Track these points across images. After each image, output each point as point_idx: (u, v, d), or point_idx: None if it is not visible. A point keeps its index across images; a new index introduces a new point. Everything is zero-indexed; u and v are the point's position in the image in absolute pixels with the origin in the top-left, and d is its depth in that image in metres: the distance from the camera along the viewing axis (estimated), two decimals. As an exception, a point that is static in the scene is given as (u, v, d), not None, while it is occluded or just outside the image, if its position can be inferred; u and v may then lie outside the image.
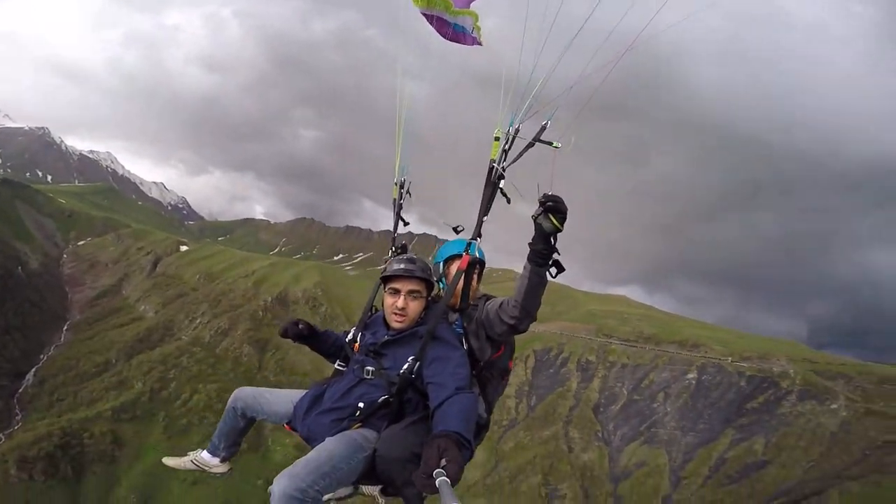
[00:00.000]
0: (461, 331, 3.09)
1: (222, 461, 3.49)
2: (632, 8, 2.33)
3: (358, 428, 2.78)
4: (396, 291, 2.95)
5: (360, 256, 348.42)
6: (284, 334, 3.30)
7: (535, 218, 2.68)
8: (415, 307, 2.95)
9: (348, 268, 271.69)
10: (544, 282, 2.81)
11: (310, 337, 3.34)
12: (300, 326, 3.30)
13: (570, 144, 2.78)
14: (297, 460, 2.49)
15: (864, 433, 63.85)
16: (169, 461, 3.68)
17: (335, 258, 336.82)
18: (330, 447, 2.61)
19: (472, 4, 3.91)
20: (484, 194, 3.02)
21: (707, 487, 63.46)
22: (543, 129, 2.85)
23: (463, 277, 3.06)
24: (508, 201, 3.03)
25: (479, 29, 3.92)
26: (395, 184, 3.78)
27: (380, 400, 2.79)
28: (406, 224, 3.84)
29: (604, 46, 2.49)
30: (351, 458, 2.60)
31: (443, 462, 1.95)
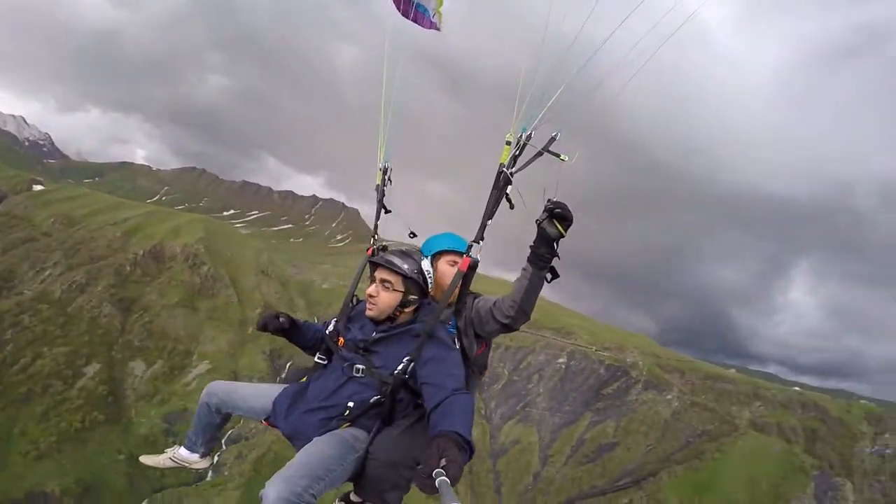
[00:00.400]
0: (454, 331, 3.05)
1: (202, 457, 3.36)
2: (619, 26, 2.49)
3: (347, 427, 2.71)
4: (373, 279, 2.95)
5: (254, 214, 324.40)
6: (263, 328, 3.12)
7: (539, 223, 2.72)
8: (385, 298, 2.86)
9: (239, 225, 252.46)
10: (542, 284, 2.87)
11: (290, 329, 3.18)
12: (281, 319, 3.13)
13: (575, 158, 2.81)
14: (289, 463, 2.42)
15: (688, 422, 75.25)
16: (147, 459, 3.49)
17: (225, 213, 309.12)
18: (322, 448, 2.54)
19: None
20: (490, 197, 2.94)
21: (568, 466, 70.82)
22: (553, 139, 2.86)
23: (462, 280, 3.02)
24: (511, 206, 2.98)
25: (440, 14, 3.80)
26: (379, 169, 3.66)
27: (371, 400, 2.72)
28: (388, 211, 3.65)
29: (607, 60, 2.59)
30: (343, 460, 2.55)
31: (443, 462, 1.94)
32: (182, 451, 3.33)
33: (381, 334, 2.86)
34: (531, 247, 2.82)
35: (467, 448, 2.17)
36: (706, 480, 59.14)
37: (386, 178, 3.66)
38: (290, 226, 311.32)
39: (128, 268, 78.77)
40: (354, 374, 2.79)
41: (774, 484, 58.98)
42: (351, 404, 2.72)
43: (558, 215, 2.69)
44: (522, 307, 2.92)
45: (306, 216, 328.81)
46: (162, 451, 3.49)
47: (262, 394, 3.05)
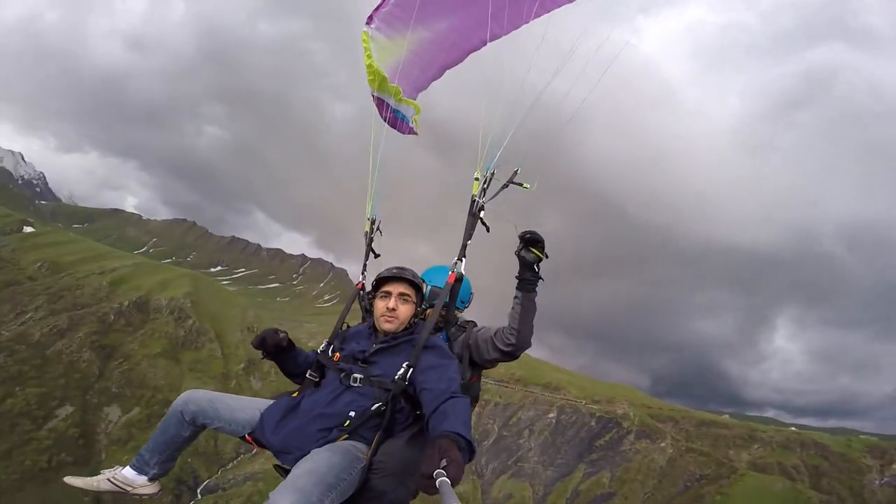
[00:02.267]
0: (445, 342, 3.24)
1: (151, 479, 2.94)
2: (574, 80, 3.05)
3: (345, 439, 2.63)
4: (388, 294, 2.99)
5: (241, 272, 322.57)
6: (261, 341, 3.01)
7: (518, 253, 3.11)
8: (405, 310, 2.97)
9: (226, 282, 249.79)
10: (535, 307, 3.15)
11: (284, 351, 3.10)
12: (280, 335, 3.06)
13: (534, 185, 3.33)
14: (295, 474, 2.32)
15: (685, 468, 73.24)
16: (74, 481, 2.94)
17: (212, 269, 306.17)
18: (328, 456, 2.45)
19: (418, 96, 4.26)
20: (467, 223, 3.35)
21: (567, 519, 68.00)
22: (515, 173, 3.36)
23: (450, 291, 3.27)
24: (488, 230, 3.38)
25: (417, 122, 4.23)
26: (367, 219, 3.89)
27: (372, 408, 2.67)
28: (377, 255, 3.86)
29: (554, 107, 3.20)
30: (351, 469, 2.47)
31: (443, 463, 1.92)
32: (125, 472, 2.92)
33: (382, 345, 2.89)
34: (517, 277, 3.18)
35: (467, 448, 2.15)
36: (708, 523, 56.67)
37: (374, 227, 3.88)
38: (277, 284, 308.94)
39: (112, 317, 77.24)
40: (352, 383, 2.76)
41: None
42: (352, 413, 2.66)
43: (530, 240, 3.05)
44: (521, 333, 3.15)
45: (294, 275, 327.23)
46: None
47: (247, 406, 2.89)
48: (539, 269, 3.10)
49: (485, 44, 4.00)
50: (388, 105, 3.99)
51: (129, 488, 2.88)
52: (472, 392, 3.27)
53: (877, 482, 70.40)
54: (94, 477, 2.90)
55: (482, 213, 3.33)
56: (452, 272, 3.25)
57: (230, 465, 67.73)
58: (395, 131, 4.15)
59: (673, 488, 66.66)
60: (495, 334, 3.23)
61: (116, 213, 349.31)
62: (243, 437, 2.82)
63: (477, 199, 3.35)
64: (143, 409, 66.23)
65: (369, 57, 3.75)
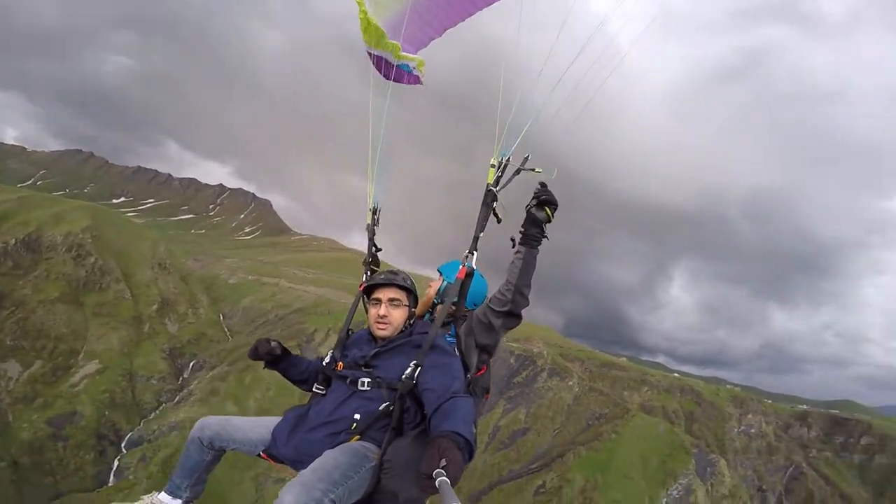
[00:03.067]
0: (453, 339, 3.18)
1: (185, 502, 3.04)
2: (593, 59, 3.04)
3: (356, 440, 2.68)
4: (378, 301, 2.99)
5: (149, 203, 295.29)
6: (254, 354, 3.08)
7: (529, 208, 3.10)
8: (397, 315, 2.97)
9: (132, 214, 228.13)
10: (535, 264, 3.11)
11: (282, 359, 3.16)
12: (272, 344, 3.11)
13: (554, 174, 3.21)
14: (301, 472, 2.37)
15: (588, 406, 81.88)
16: None
17: (115, 201, 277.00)
18: (334, 455, 2.50)
19: (420, 51, 4.01)
20: (480, 214, 3.25)
21: (487, 452, 73.91)
22: (526, 159, 3.28)
23: (461, 287, 3.20)
24: (499, 221, 3.27)
25: (422, 70, 3.99)
26: (369, 210, 3.79)
27: (380, 409, 2.72)
28: (379, 250, 3.74)
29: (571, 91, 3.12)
30: (359, 468, 2.51)
31: (443, 462, 1.93)
32: (162, 497, 3.05)
33: (380, 349, 2.91)
34: (521, 231, 3.14)
35: (467, 448, 2.15)
36: (605, 460, 64.92)
37: (375, 218, 3.77)
38: (192, 216, 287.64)
39: (-5, 258, 68.63)
40: (359, 388, 2.79)
41: (662, 461, 66.25)
42: (357, 416, 2.71)
43: (545, 201, 3.05)
44: (519, 288, 3.08)
45: (211, 206, 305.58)
46: (138, 496, 3.21)
47: (259, 425, 2.96)
48: (545, 229, 3.11)
49: (489, 4, 3.85)
50: (387, 61, 3.78)
51: None
52: (482, 383, 3.23)
53: (735, 430, 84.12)
54: (136, 503, 3.04)
55: (495, 204, 3.25)
56: (463, 266, 3.19)
57: (152, 415, 65.71)
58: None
59: (577, 425, 75.13)
60: (490, 300, 3.20)
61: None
62: (259, 455, 2.90)
63: (492, 187, 3.27)
64: (46, 361, 61.54)
65: (364, 12, 3.50)
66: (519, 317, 3.16)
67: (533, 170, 3.26)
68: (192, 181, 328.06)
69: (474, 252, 3.20)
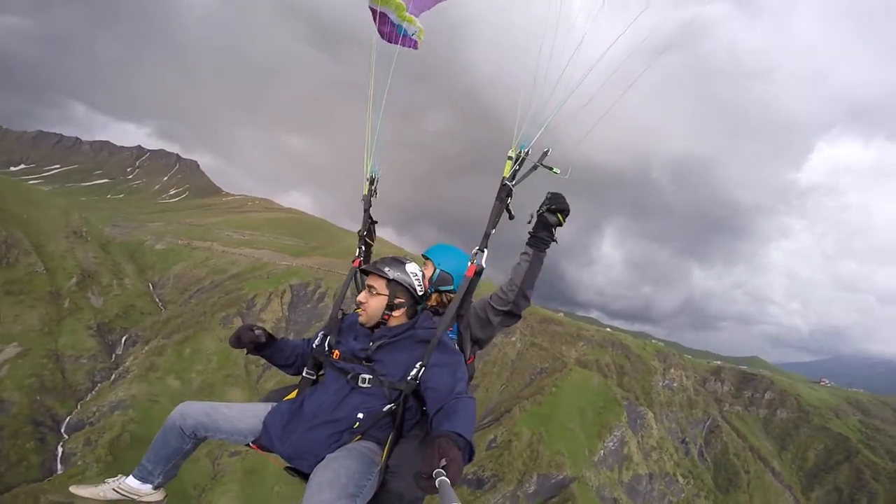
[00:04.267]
0: (455, 336, 3.13)
1: (156, 488, 2.91)
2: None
3: (358, 440, 2.65)
4: (365, 287, 2.97)
5: (55, 168, 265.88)
6: (237, 343, 2.98)
7: (540, 212, 3.06)
8: (373, 303, 2.88)
9: (35, 181, 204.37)
10: (542, 267, 3.10)
11: (267, 345, 3.06)
12: (256, 332, 3.00)
13: (568, 173, 3.11)
14: (315, 484, 2.34)
15: (530, 361, 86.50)
16: (79, 490, 2.91)
17: (13, 168, 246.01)
18: (346, 464, 2.45)
19: (420, 16, 3.88)
20: (493, 209, 3.11)
21: (433, 411, 76.85)
22: (545, 154, 3.14)
23: (468, 285, 3.08)
24: (511, 217, 3.13)
25: (421, 37, 3.87)
26: (366, 180, 3.61)
27: (384, 409, 2.67)
28: (374, 222, 3.63)
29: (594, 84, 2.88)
30: (369, 474, 2.48)
31: (443, 462, 1.93)
32: (130, 481, 2.88)
33: (382, 341, 2.82)
34: (531, 233, 3.09)
35: (467, 449, 2.15)
36: (548, 413, 69.37)
37: (373, 188, 3.63)
38: (107, 180, 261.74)
39: None
40: (360, 384, 2.71)
41: (598, 413, 71.48)
42: (361, 416, 2.65)
43: (559, 209, 3.04)
44: (523, 289, 3.07)
45: (129, 169, 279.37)
46: (94, 480, 3.02)
47: (247, 414, 2.83)
48: (555, 232, 3.07)
49: None
50: (388, 18, 3.67)
51: (135, 497, 2.89)
52: (469, 370, 3.21)
53: (660, 384, 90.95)
54: (99, 486, 2.89)
55: (509, 200, 3.13)
56: (472, 264, 3.06)
57: (88, 396, 62.14)
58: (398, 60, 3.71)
59: (521, 380, 79.46)
60: (491, 297, 3.17)
61: None
62: (248, 445, 2.81)
63: (507, 181, 3.13)
64: (-45, 348, 55.44)
65: None
66: (519, 316, 3.16)
67: (551, 168, 3.14)
68: (106, 143, 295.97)
69: (484, 250, 3.08)
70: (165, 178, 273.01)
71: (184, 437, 2.75)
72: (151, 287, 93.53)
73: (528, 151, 3.13)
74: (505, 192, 3.11)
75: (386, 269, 2.91)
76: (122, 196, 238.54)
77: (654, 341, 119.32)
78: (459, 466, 1.97)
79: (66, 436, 56.26)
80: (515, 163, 3.13)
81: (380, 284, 2.89)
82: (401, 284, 2.91)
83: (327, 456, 2.52)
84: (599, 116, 2.94)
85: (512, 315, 3.13)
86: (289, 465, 2.70)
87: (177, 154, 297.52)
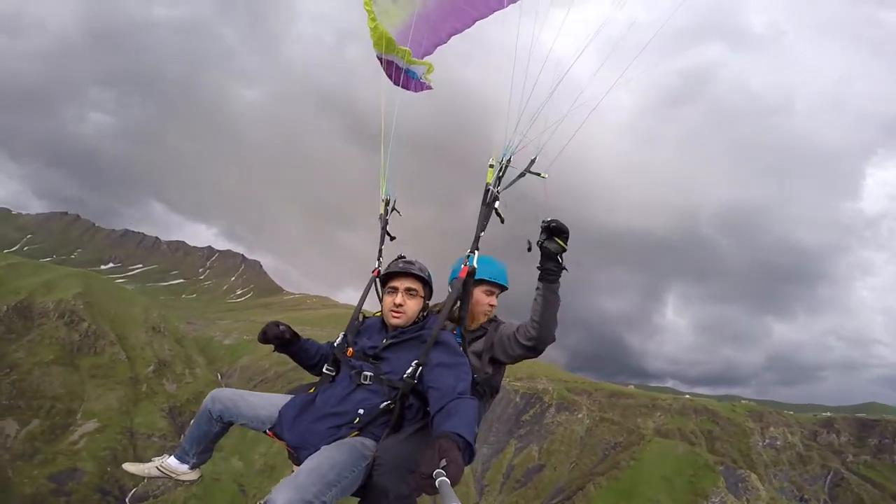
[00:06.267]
0: (458, 339, 3.10)
1: (192, 468, 3.14)
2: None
3: (356, 436, 2.66)
4: (395, 290, 2.98)
5: (138, 268, 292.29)
6: (264, 338, 3.07)
7: (540, 244, 2.98)
8: (412, 305, 2.96)
9: (121, 280, 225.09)
10: (558, 299, 3.04)
11: (291, 342, 3.14)
12: (281, 328, 3.08)
13: (545, 174, 3.21)
14: (298, 470, 2.38)
15: (601, 437, 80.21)
16: (130, 467, 3.25)
17: (103, 267, 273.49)
18: (332, 454, 2.48)
19: (426, 57, 4.19)
20: (480, 213, 3.22)
21: (504, 493, 71.40)
22: (533, 161, 3.22)
23: (463, 286, 3.15)
24: (502, 221, 3.23)
25: (429, 78, 4.14)
26: (382, 200, 3.78)
27: (381, 406, 2.70)
28: (392, 238, 3.76)
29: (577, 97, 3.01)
30: (354, 467, 2.48)
31: (443, 462, 1.92)
32: (171, 461, 3.11)
33: (392, 340, 2.89)
34: (538, 267, 3.05)
35: (468, 449, 2.15)
36: (628, 487, 62.83)
37: (388, 208, 3.77)
38: (182, 280, 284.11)
39: (-10, 325, 67.59)
40: (362, 381, 2.77)
41: (689, 481, 64.36)
42: (361, 411, 2.69)
43: (555, 230, 2.94)
44: (544, 327, 3.05)
45: (200, 269, 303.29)
46: None
47: (268, 403, 2.95)
48: (562, 259, 3.01)
49: (493, 11, 3.99)
50: (397, 66, 3.88)
51: (173, 475, 3.10)
52: (492, 383, 3.26)
53: (760, 444, 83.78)
54: (146, 464, 3.15)
55: (497, 204, 3.22)
56: (465, 266, 3.15)
57: (156, 472, 63.30)
58: (408, 96, 4.02)
59: (594, 456, 73.12)
60: (517, 330, 3.17)
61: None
62: (265, 432, 2.89)
63: (491, 188, 3.22)
64: (43, 420, 59.99)
65: (373, 20, 3.69)
66: (541, 352, 3.17)
67: (538, 174, 3.22)
68: (181, 244, 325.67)
69: (476, 251, 3.18)
70: (232, 279, 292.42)
71: (212, 420, 2.93)
72: (220, 377, 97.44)
73: (510, 159, 3.28)
74: (489, 197, 3.24)
75: (424, 272, 3.05)
76: (194, 296, 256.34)
77: (744, 402, 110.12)
78: (460, 466, 1.97)
79: (130, 507, 56.83)
80: (498, 171, 3.28)
81: (419, 286, 2.99)
82: (430, 286, 3.08)
83: (322, 447, 2.57)
84: (578, 126, 3.12)
85: (534, 350, 3.15)
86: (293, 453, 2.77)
87: (242, 255, 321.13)
